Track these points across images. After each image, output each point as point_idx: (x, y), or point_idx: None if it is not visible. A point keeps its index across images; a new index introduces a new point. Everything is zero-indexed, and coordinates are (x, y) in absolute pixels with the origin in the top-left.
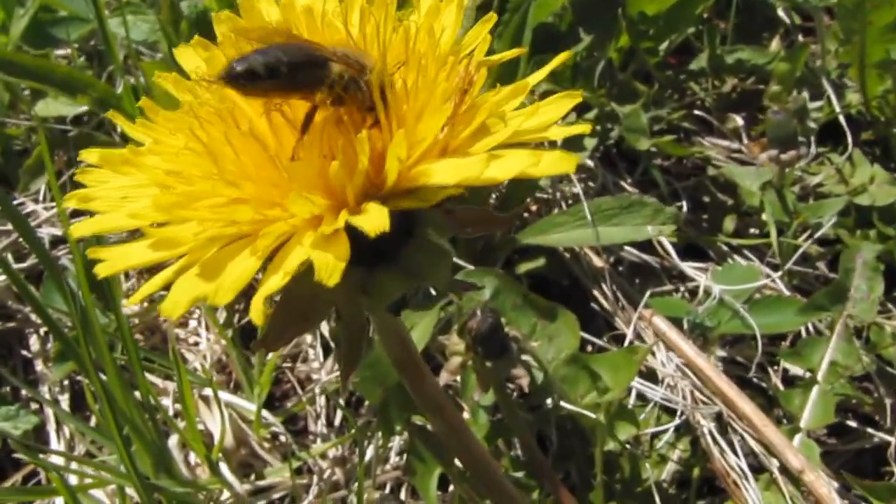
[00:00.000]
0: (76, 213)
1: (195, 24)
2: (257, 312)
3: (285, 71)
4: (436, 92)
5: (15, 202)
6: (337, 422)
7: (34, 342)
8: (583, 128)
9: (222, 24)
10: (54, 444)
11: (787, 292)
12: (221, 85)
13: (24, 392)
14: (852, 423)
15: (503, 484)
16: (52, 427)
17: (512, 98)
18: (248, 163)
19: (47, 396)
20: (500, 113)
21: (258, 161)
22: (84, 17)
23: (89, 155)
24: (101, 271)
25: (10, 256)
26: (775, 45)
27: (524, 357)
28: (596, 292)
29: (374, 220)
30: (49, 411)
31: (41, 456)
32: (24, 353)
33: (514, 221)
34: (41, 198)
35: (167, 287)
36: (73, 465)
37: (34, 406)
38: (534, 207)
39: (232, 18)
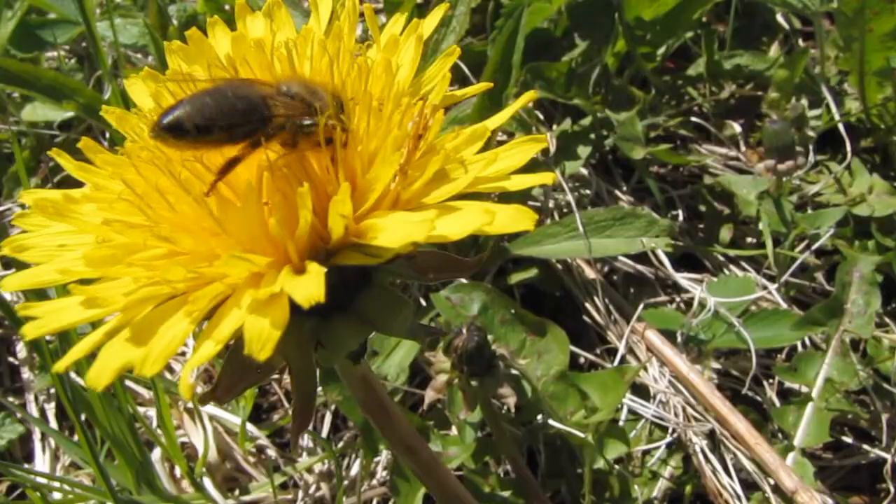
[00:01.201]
0: None
1: (184, 29)
2: (185, 387)
3: (218, 126)
4: (387, 140)
5: (2, 209)
6: (324, 436)
7: (21, 349)
8: (545, 178)
9: (174, 56)
10: (39, 454)
11: (783, 304)
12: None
13: (10, 399)
14: (848, 439)
15: None
16: (37, 437)
17: (470, 143)
18: (186, 213)
19: (34, 404)
20: (458, 158)
21: (195, 212)
22: (73, 20)
23: (27, 197)
24: (29, 333)
25: None
26: (774, 50)
27: (512, 373)
28: (588, 305)
29: (308, 289)
30: (37, 418)
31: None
32: (12, 360)
33: (479, 266)
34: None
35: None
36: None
37: (21, 414)
38: None
39: (183, 49)
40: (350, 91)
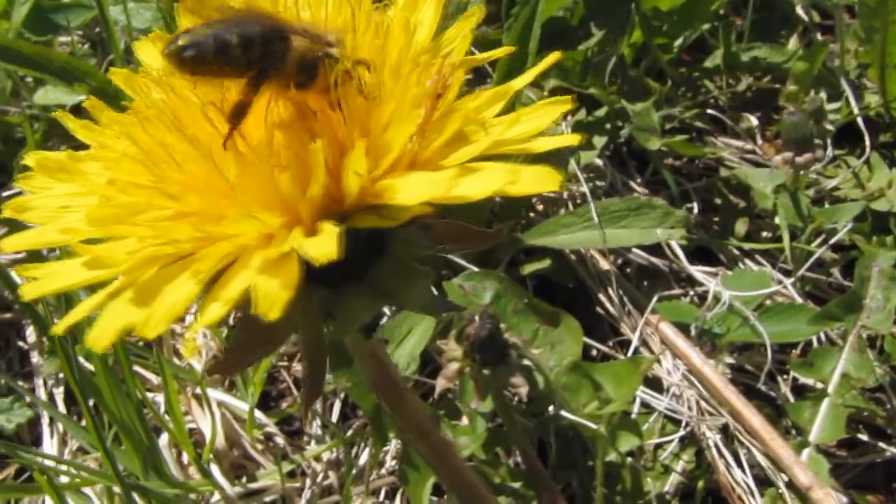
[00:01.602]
0: None
1: None
2: (189, 348)
3: (236, 43)
4: (405, 98)
5: (11, 192)
6: (334, 418)
7: (31, 333)
8: (572, 138)
9: (186, 16)
10: (47, 438)
11: (799, 299)
12: (166, 67)
13: (20, 383)
14: (863, 437)
15: None
16: (45, 421)
17: (492, 104)
18: (194, 171)
19: (43, 388)
20: (479, 120)
21: (204, 170)
22: (86, 4)
23: (30, 158)
24: (27, 294)
25: None
26: (793, 43)
27: (524, 363)
28: (601, 296)
29: (322, 247)
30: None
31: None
32: (21, 344)
33: (499, 238)
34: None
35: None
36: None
37: (30, 398)
38: (540, 207)
39: (197, 7)
40: (367, 51)
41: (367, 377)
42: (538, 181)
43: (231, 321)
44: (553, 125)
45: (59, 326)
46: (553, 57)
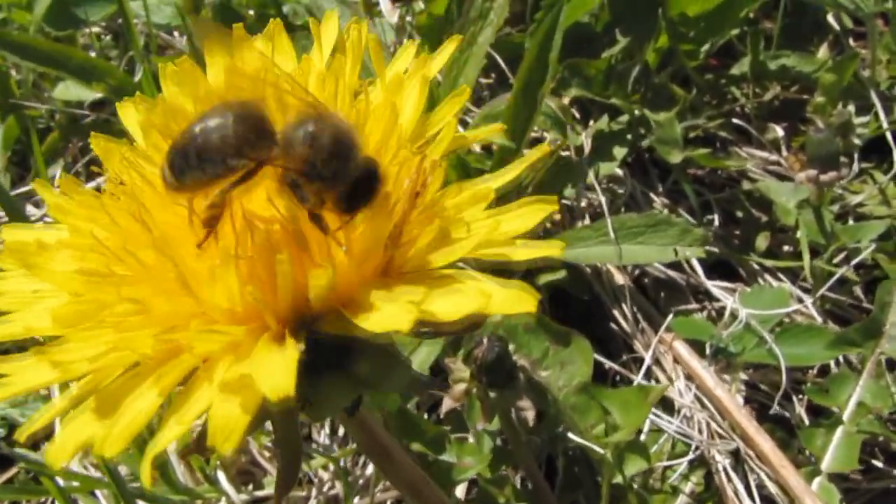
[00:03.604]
0: None
1: (218, 12)
2: (146, 476)
3: (207, 161)
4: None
5: (28, 188)
6: (341, 432)
7: None
8: (552, 249)
9: (167, 80)
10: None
11: (818, 318)
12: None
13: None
14: (878, 463)
15: None
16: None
17: (474, 203)
18: (160, 272)
19: (56, 385)
20: (460, 219)
21: (170, 272)
22: None
23: (6, 233)
24: None
25: None
26: (823, 52)
27: (533, 382)
28: (616, 312)
29: (276, 379)
30: (56, 398)
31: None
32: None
33: (477, 329)
34: (55, 185)
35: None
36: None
37: (44, 392)
38: (557, 217)
39: (177, 74)
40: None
41: (357, 445)
42: (512, 303)
43: None
44: (537, 228)
45: (22, 434)
46: (541, 150)
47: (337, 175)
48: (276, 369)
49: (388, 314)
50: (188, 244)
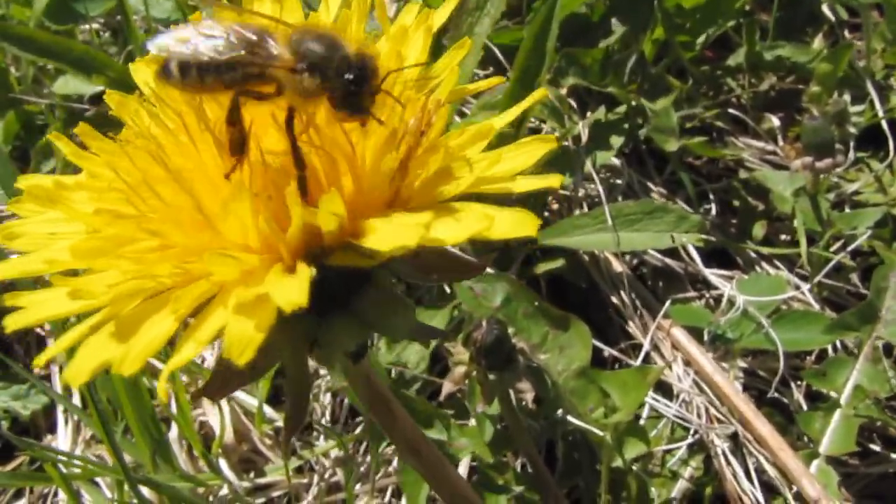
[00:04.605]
0: None
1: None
2: (162, 391)
3: (212, 64)
4: (388, 134)
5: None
6: (342, 420)
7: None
8: (552, 180)
9: None
10: (62, 425)
11: (815, 305)
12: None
13: (35, 370)
14: (876, 447)
15: None
16: (60, 408)
17: (476, 141)
18: (176, 204)
19: (59, 375)
20: (463, 157)
21: (187, 205)
22: None
23: (21, 182)
24: (10, 325)
25: None
26: (818, 42)
27: (532, 366)
28: (614, 299)
29: (291, 293)
30: (58, 390)
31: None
32: (38, 331)
33: (485, 269)
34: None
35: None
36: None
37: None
38: (555, 206)
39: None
40: None
41: (358, 396)
42: (514, 226)
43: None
44: (535, 166)
45: (41, 359)
46: (539, 94)
47: (333, 63)
48: (291, 287)
49: (394, 232)
50: (206, 181)
